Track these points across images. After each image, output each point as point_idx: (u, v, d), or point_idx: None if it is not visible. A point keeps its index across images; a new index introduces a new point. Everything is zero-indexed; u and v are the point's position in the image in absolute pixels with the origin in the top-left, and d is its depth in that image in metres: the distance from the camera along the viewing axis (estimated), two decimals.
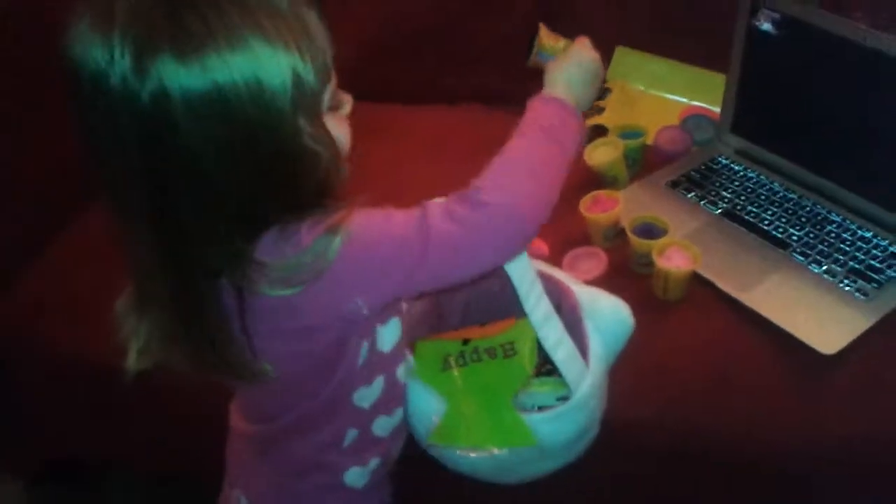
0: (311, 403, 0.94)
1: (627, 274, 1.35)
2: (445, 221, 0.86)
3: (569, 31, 1.75)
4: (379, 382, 0.98)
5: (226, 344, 0.84)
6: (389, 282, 0.86)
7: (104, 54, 0.72)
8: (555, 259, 1.37)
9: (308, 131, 0.79)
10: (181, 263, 0.80)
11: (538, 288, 1.01)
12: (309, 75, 0.77)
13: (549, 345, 1.02)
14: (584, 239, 1.41)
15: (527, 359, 1.07)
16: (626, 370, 1.14)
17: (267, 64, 0.74)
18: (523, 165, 0.92)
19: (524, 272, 0.99)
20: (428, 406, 1.05)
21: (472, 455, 1.05)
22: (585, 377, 1.04)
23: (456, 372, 1.06)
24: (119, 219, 0.81)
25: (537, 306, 1.01)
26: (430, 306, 1.13)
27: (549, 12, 1.76)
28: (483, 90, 1.82)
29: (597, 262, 1.36)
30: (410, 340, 1.07)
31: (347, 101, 0.87)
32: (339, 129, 0.85)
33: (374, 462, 1.03)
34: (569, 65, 1.06)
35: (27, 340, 1.45)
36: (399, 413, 1.04)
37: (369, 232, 0.84)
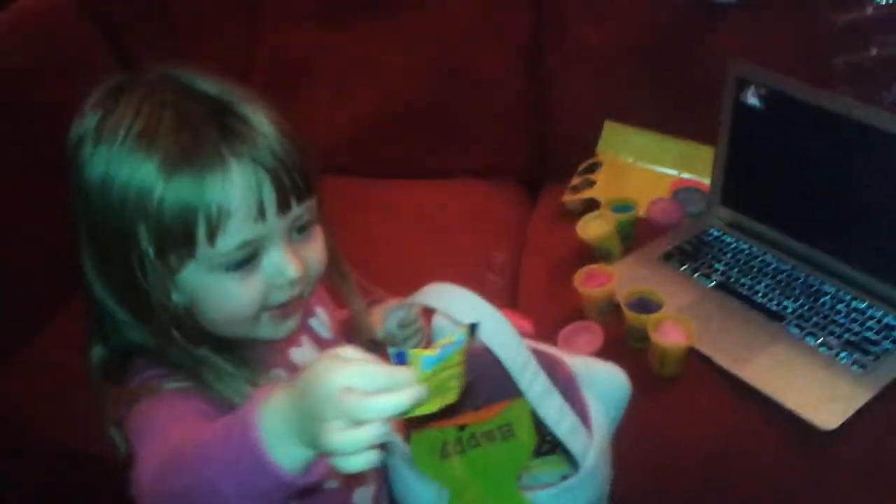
0: None
1: (623, 350, 1.34)
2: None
3: (557, 109, 1.79)
4: None
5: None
6: None
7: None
8: (549, 335, 1.37)
9: (158, 271, 0.77)
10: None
11: (532, 364, 1.00)
12: (169, 205, 0.75)
13: (550, 421, 0.99)
14: (578, 314, 1.40)
15: (526, 439, 1.05)
16: (625, 447, 1.12)
17: (120, 172, 0.76)
18: None
19: (515, 351, 0.98)
20: (430, 498, 1.03)
21: None
22: (590, 447, 1.02)
23: (456, 460, 1.04)
24: None
25: (534, 383, 0.99)
26: None
27: (538, 90, 1.80)
28: (474, 165, 1.83)
29: (593, 336, 1.35)
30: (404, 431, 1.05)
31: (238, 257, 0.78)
32: (218, 286, 0.79)
33: None
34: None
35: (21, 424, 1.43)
36: None
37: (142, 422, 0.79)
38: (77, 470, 1.39)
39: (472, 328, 0.70)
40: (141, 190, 0.74)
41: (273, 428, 0.61)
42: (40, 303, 1.55)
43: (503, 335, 0.96)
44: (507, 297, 1.53)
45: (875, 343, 1.30)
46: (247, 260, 0.78)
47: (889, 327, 1.32)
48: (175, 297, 0.78)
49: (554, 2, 1.76)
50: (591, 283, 1.38)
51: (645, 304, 1.34)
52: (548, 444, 1.10)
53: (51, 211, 0.77)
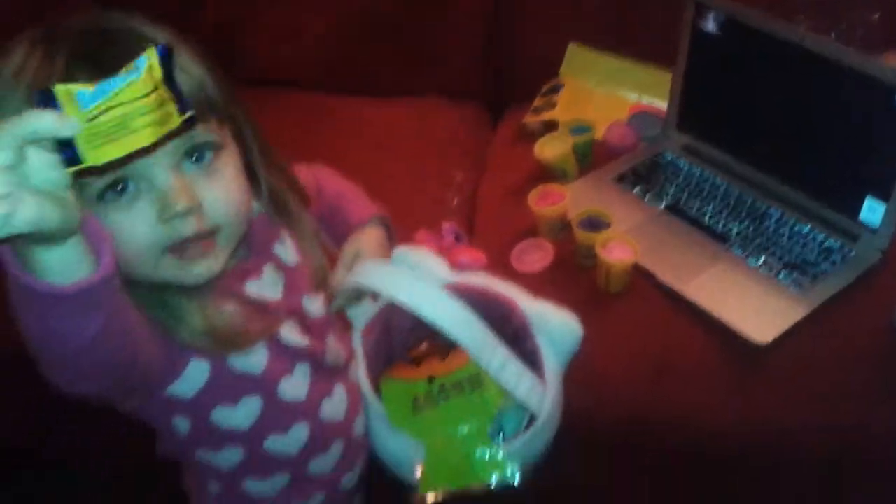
0: None
1: (572, 267, 1.39)
2: None
3: (521, 28, 1.80)
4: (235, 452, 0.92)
5: None
6: None
7: None
8: (502, 251, 1.41)
9: None
10: None
11: (487, 339, 1.00)
12: None
13: (509, 388, 1.01)
14: (531, 232, 1.44)
15: (493, 388, 1.07)
16: (573, 360, 1.17)
17: None
18: None
19: (469, 329, 0.98)
20: (407, 453, 1.04)
21: (458, 493, 1.05)
22: (545, 396, 1.04)
23: (428, 412, 1.06)
24: None
25: (492, 360, 1.00)
26: (379, 328, 1.12)
27: (504, 11, 1.81)
28: (440, 85, 1.85)
29: (543, 254, 1.40)
30: (370, 368, 1.07)
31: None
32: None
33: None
34: None
35: None
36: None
37: None
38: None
39: (163, 52, 0.61)
40: None
41: None
42: None
43: (455, 318, 0.97)
44: (466, 215, 1.57)
45: (814, 264, 1.36)
46: (115, 186, 0.73)
47: (829, 250, 1.38)
48: None
49: None
50: (545, 203, 1.42)
51: (595, 223, 1.38)
52: None
53: None
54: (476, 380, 1.09)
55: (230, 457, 0.92)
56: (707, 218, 1.45)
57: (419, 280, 1.01)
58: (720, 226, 1.43)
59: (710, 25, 1.46)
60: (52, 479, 1.70)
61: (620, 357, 1.28)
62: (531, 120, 1.70)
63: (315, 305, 0.96)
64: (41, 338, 0.66)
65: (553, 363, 1.09)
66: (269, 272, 0.90)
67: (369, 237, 1.08)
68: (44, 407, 1.50)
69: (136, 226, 0.74)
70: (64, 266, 0.60)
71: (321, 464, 0.98)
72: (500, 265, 1.37)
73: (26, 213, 0.54)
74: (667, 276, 1.35)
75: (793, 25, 1.40)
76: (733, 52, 1.46)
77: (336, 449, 0.99)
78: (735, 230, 1.42)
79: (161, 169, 0.74)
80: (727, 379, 1.26)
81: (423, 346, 1.14)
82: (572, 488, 1.36)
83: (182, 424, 0.88)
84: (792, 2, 1.57)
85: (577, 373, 1.20)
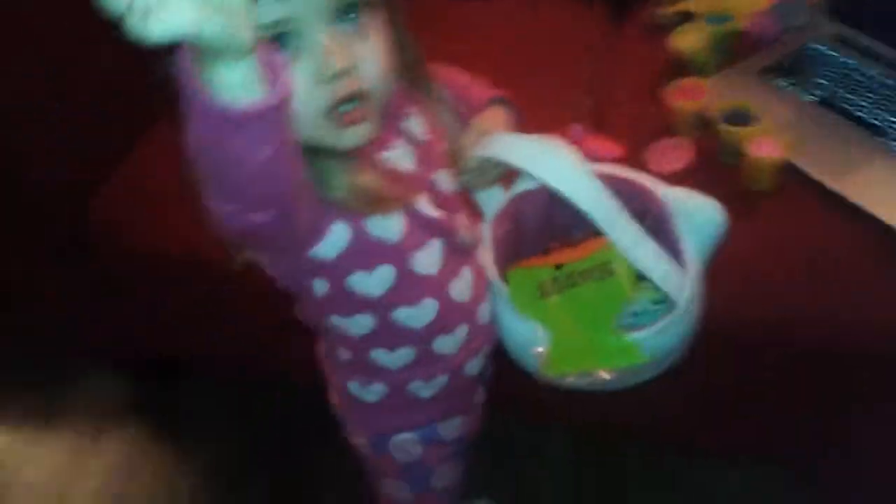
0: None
1: (715, 165, 1.30)
2: None
3: None
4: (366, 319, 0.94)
5: None
6: None
7: None
8: (638, 151, 1.34)
9: None
10: None
11: (621, 215, 0.95)
12: None
13: (644, 267, 0.97)
14: (669, 130, 1.36)
15: (625, 277, 1.03)
16: (715, 262, 1.11)
17: None
18: None
19: (600, 203, 0.93)
20: (532, 337, 1.01)
21: (584, 382, 1.03)
22: (685, 285, 1.00)
23: (554, 299, 1.03)
24: None
25: (623, 234, 0.96)
26: (508, 220, 1.09)
27: None
28: None
29: (683, 152, 1.32)
30: (498, 258, 1.04)
31: None
32: None
33: (376, 387, 1.01)
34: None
35: (126, 236, 1.48)
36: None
37: None
38: (183, 278, 1.45)
39: None
40: None
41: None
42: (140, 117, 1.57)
43: (587, 189, 0.93)
44: (595, 117, 1.49)
45: None
46: (280, 39, 0.74)
47: None
48: None
49: None
50: (684, 97, 1.34)
51: (740, 118, 1.29)
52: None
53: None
54: (607, 268, 1.04)
55: (362, 323, 0.94)
56: (864, 111, 1.34)
57: (550, 150, 0.95)
58: (878, 119, 1.32)
59: None
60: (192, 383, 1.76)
61: (770, 256, 1.21)
62: (664, 11, 1.59)
63: (447, 182, 0.96)
64: (217, 162, 0.68)
65: (694, 252, 1.03)
66: (401, 145, 0.91)
67: (494, 116, 1.05)
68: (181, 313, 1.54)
69: (299, 80, 0.75)
70: (241, 87, 0.62)
71: (447, 344, 0.99)
72: (636, 165, 1.29)
73: (186, 14, 0.55)
74: (821, 173, 1.25)
75: None
76: None
77: (461, 332, 0.99)
78: (894, 124, 1.31)
79: (317, 27, 0.74)
80: (883, 280, 1.17)
81: (554, 244, 1.10)
82: (708, 387, 1.30)
83: (321, 287, 0.90)
84: None
85: (724, 271, 1.13)
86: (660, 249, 0.98)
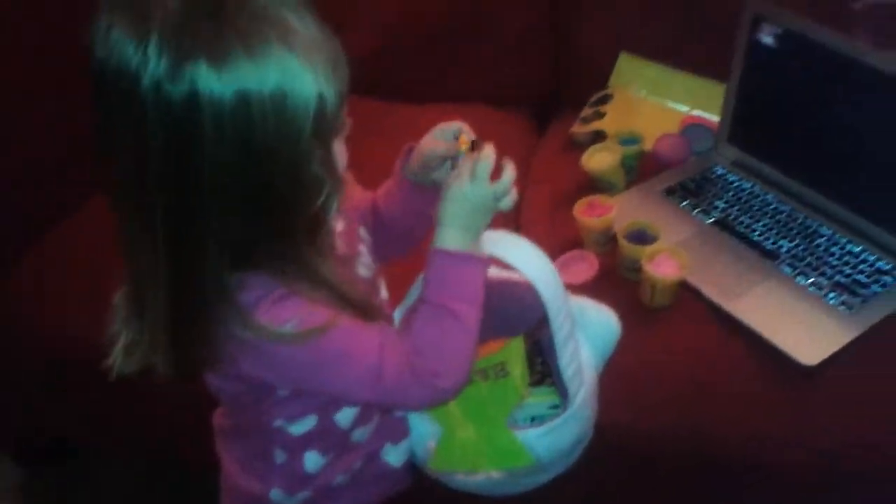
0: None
1: (616, 279, 1.37)
2: (398, 384, 0.90)
3: (576, 39, 1.79)
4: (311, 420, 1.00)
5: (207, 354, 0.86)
6: (318, 394, 0.96)
7: (138, 56, 0.71)
8: None
9: (319, 156, 0.80)
10: (178, 275, 0.81)
11: (566, 309, 1.02)
12: (331, 100, 0.78)
13: (563, 362, 1.02)
14: (576, 242, 1.43)
15: (519, 379, 1.08)
16: (608, 374, 1.16)
17: (295, 82, 0.74)
18: (465, 348, 0.93)
19: (556, 294, 1.00)
20: (424, 431, 1.06)
21: (472, 479, 1.07)
22: (580, 388, 1.05)
23: None
24: (123, 222, 0.81)
25: (563, 326, 1.02)
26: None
27: (555, 20, 1.79)
28: (488, 91, 1.84)
29: (588, 265, 1.38)
30: None
31: (348, 124, 0.86)
32: (340, 153, 0.86)
33: (301, 495, 1.05)
34: (460, 193, 0.97)
35: (24, 325, 1.48)
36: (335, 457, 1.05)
37: (334, 353, 0.88)
38: (82, 368, 1.45)
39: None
40: (311, 94, 0.76)
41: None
42: (59, 201, 1.59)
43: (548, 276, 1.00)
44: (510, 225, 1.56)
45: (865, 286, 1.32)
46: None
47: (880, 271, 1.34)
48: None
49: None
50: (591, 213, 1.41)
51: (642, 236, 1.36)
52: (537, 375, 1.13)
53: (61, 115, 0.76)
54: (501, 368, 1.09)
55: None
56: (756, 234, 1.42)
57: (522, 243, 1.03)
58: (769, 243, 1.41)
59: (767, 38, 1.43)
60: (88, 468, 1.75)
61: (662, 373, 1.26)
62: (579, 130, 1.68)
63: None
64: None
65: (590, 359, 1.08)
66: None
67: None
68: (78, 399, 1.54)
69: (342, 150, 0.89)
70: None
71: (315, 460, 1.03)
72: None
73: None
74: (713, 292, 1.33)
75: (853, 39, 1.37)
76: (790, 65, 1.43)
77: (376, 419, 1.06)
78: (785, 248, 1.40)
79: None
80: (772, 400, 1.23)
81: None
82: (598, 495, 1.34)
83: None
84: (852, 15, 1.54)
85: (616, 385, 1.19)
86: (577, 350, 1.04)
